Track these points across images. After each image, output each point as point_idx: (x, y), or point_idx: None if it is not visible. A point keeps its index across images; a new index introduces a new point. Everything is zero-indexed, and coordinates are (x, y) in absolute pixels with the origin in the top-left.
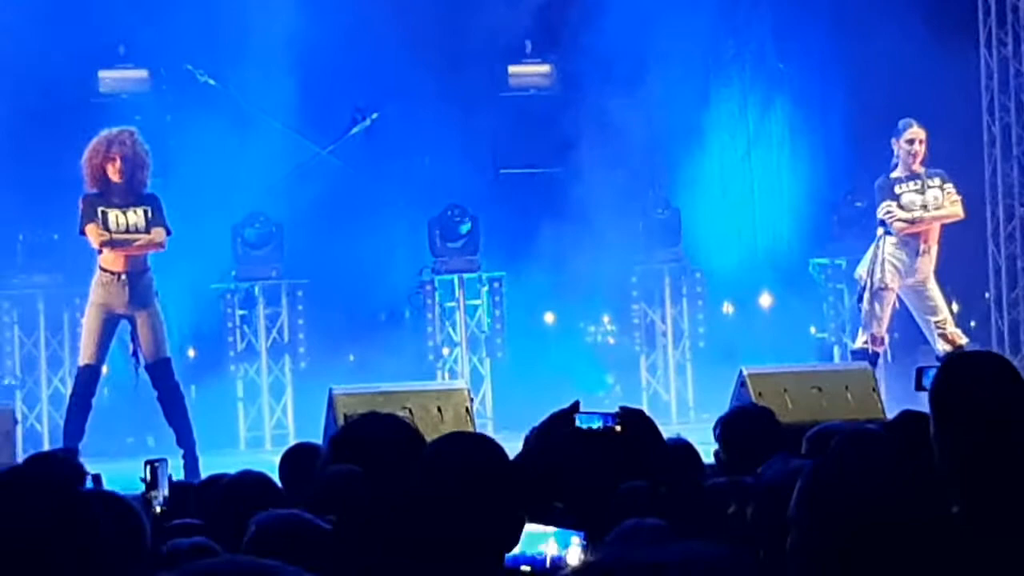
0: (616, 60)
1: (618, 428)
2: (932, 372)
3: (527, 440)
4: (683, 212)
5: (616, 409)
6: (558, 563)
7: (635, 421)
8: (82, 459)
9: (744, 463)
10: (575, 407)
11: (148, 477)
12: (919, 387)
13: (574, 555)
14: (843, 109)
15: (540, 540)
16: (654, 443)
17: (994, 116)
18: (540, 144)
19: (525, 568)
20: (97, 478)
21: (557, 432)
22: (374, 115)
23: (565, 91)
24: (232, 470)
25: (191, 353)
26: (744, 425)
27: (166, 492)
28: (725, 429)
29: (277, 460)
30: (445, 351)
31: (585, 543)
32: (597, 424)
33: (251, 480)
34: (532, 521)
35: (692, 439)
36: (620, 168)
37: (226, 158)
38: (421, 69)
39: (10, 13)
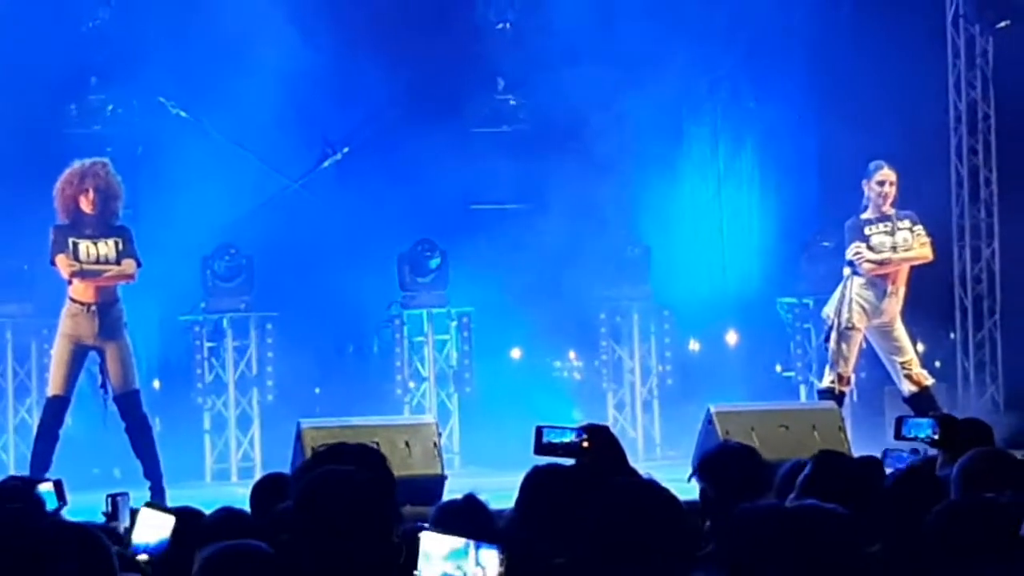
0: (588, 97)
1: (585, 443)
2: (911, 422)
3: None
4: (653, 250)
5: (583, 424)
6: None
7: (600, 436)
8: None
9: (729, 500)
10: (538, 433)
11: (109, 510)
12: (898, 436)
13: (492, 569)
14: (814, 149)
15: (458, 556)
16: (618, 457)
17: (962, 158)
18: (510, 180)
19: None
20: (58, 483)
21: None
22: (345, 149)
23: (536, 127)
24: (198, 503)
25: (156, 385)
26: (729, 463)
27: (127, 524)
28: (707, 467)
29: (243, 492)
30: (412, 385)
31: (502, 556)
32: (567, 438)
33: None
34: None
35: (658, 476)
36: (590, 205)
37: (197, 190)
38: (392, 104)
39: None
